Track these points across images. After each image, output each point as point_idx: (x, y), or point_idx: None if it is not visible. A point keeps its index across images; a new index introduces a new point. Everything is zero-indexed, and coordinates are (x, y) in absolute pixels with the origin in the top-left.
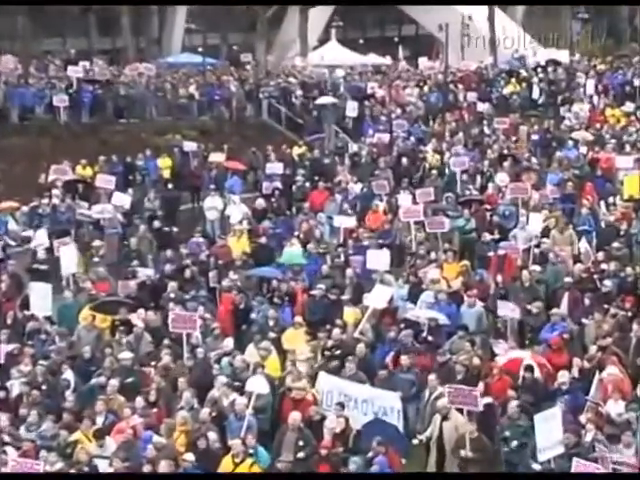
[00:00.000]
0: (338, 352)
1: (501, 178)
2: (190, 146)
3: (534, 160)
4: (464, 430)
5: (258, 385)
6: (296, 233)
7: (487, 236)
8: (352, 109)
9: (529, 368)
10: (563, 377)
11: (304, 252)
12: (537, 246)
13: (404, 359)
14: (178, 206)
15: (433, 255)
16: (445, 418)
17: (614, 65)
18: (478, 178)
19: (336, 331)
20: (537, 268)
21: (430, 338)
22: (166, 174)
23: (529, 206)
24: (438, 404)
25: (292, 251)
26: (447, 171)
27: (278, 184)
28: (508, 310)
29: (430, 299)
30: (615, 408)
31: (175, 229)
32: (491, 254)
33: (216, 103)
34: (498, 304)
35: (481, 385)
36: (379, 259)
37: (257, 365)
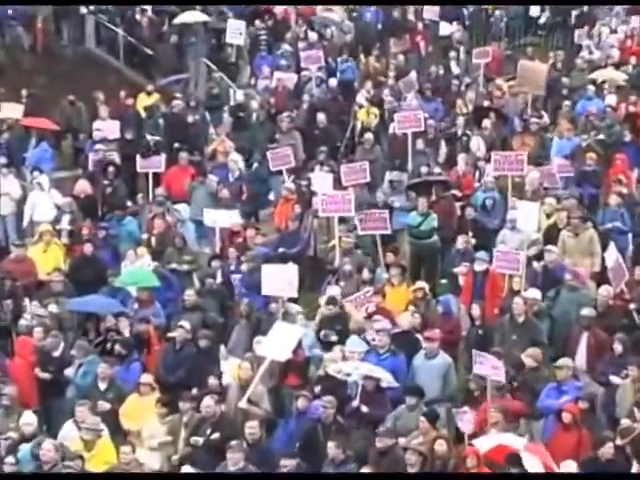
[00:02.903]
0: (213, 434)
1: (479, 146)
2: None
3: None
4: None
5: None
6: (144, 236)
7: (458, 241)
8: (235, 33)
9: (514, 460)
10: (568, 468)
11: (156, 268)
12: (538, 257)
13: (332, 448)
14: None
15: (368, 273)
16: None
17: None
18: (442, 146)
19: (209, 399)
20: (537, 293)
21: (365, 409)
22: None
23: (524, 192)
24: None
25: (137, 267)
26: (391, 134)
27: (114, 156)
28: (488, 368)
29: (362, 345)
30: None
31: None
32: (463, 270)
33: (8, 22)
34: (474, 355)
35: None
36: (281, 280)
37: (77, 455)
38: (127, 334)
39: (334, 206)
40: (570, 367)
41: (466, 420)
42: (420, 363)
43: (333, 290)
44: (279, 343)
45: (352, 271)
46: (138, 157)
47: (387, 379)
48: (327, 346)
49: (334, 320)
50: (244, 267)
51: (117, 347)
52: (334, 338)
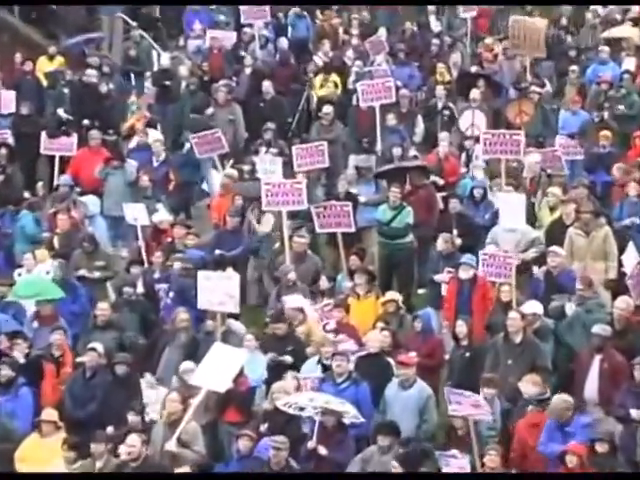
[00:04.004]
0: None
1: (465, 122)
2: None
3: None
4: None
5: None
6: (44, 235)
7: (439, 242)
8: None
9: None
10: None
11: (60, 277)
12: (538, 261)
13: None
14: None
15: (327, 281)
16: None
17: None
18: (419, 122)
19: (132, 438)
20: (538, 307)
21: (323, 451)
22: None
23: (521, 180)
24: None
25: (35, 275)
26: (355, 108)
27: (7, 135)
28: (467, 408)
29: (318, 371)
30: None
31: None
32: (446, 277)
33: None
34: (447, 394)
35: None
36: (220, 290)
37: None
38: (22, 360)
39: (282, 197)
40: (569, 406)
41: (456, 466)
42: (393, 394)
43: (292, 301)
44: (217, 370)
45: (296, 280)
46: (44, 136)
47: (351, 413)
48: (276, 373)
49: (284, 341)
50: (172, 274)
51: (1, 370)
52: (288, 360)
